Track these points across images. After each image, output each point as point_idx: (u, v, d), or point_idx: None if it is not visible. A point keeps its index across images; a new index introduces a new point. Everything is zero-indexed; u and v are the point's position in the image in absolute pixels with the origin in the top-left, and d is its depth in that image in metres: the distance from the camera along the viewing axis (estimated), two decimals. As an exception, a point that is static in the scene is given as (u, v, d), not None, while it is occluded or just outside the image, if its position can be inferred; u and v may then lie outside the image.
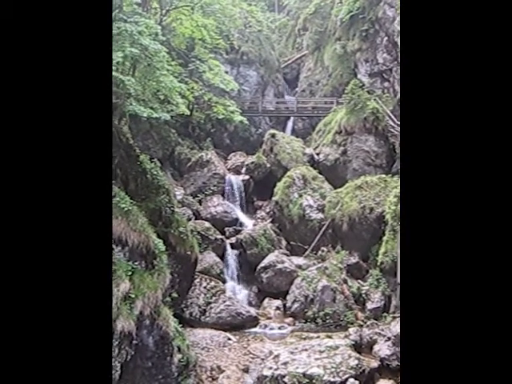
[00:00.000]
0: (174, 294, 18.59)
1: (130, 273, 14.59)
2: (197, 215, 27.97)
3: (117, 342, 13.61)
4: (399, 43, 26.78)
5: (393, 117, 29.22)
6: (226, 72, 32.60)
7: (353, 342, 18.73)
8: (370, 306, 22.82)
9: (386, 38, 32.05)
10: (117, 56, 15.82)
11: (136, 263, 15.17)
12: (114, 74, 15.88)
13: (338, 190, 28.22)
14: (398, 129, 27.58)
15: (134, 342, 14.28)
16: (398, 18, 30.39)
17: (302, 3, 43.73)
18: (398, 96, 30.47)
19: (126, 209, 15.49)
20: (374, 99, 30.93)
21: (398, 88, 30.86)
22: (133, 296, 14.25)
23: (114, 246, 14.46)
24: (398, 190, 22.69)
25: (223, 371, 17.40)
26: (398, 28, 30.41)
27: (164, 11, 28.16)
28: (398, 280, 11.60)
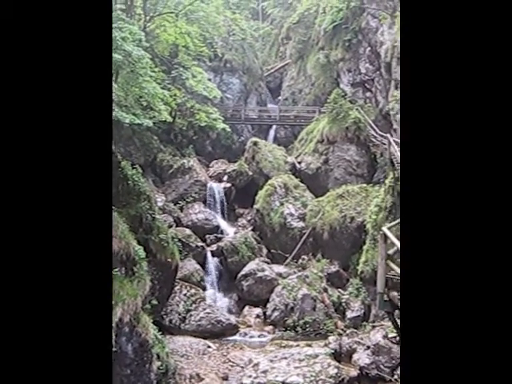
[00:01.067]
0: (154, 301, 18.52)
1: (109, 279, 14.53)
2: (178, 222, 27.92)
3: (95, 349, 13.54)
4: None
5: (374, 127, 29.41)
6: (209, 79, 32.75)
7: (332, 351, 18.77)
8: (349, 314, 22.92)
9: (368, 49, 32.30)
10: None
11: (116, 270, 15.09)
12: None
13: (320, 198, 28.37)
14: (380, 139, 27.80)
15: (113, 349, 14.21)
16: (381, 29, 30.70)
17: (285, 12, 44.00)
18: (380, 106, 30.76)
19: (106, 215, 15.45)
20: (356, 109, 31.16)
21: (380, 98, 31.13)
22: (112, 303, 14.19)
23: (94, 252, 14.40)
24: (378, 200, 22.89)
25: (202, 379, 17.37)
26: (381, 38, 30.72)
27: (148, 17, 28.21)
28: (378, 289, 11.41)
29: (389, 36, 29.52)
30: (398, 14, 23.17)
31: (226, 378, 17.65)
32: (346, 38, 33.31)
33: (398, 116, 27.12)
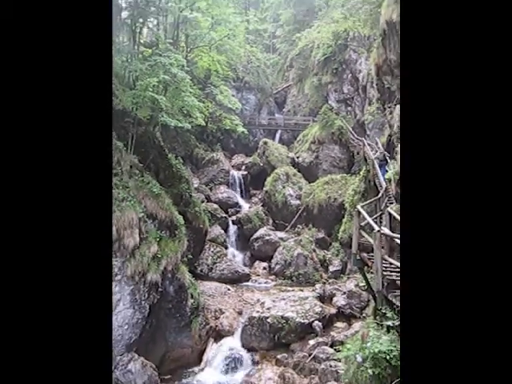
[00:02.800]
0: (190, 256, 18.61)
1: (158, 239, 14.60)
2: (208, 199, 27.91)
3: (147, 290, 13.65)
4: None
5: (353, 132, 29.27)
6: (233, 95, 32.53)
7: (318, 295, 18.81)
8: (331, 268, 22.93)
9: (350, 75, 32.01)
10: (153, 81, 15.73)
11: (162, 232, 15.17)
12: (150, 94, 15.74)
13: (312, 184, 28.25)
14: (357, 141, 27.63)
15: (160, 289, 14.33)
16: (360, 60, 30.38)
17: (289, 47, 43.43)
18: (357, 117, 30.51)
19: (156, 193, 15.49)
20: (340, 119, 31.02)
21: (357, 111, 30.89)
22: (159, 256, 14.27)
23: (146, 219, 14.46)
24: (354, 186, 22.81)
25: (223, 313, 17.46)
26: (359, 67, 30.42)
27: (189, 49, 28.05)
28: (353, 251, 11.34)
29: (365, 66, 29.19)
30: (373, 49, 22.79)
31: (240, 313, 17.74)
32: (334, 67, 32.98)
33: (371, 125, 26.90)
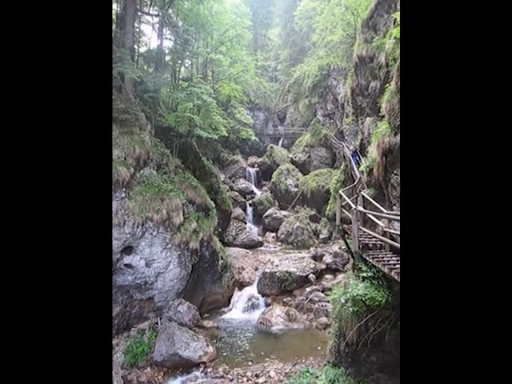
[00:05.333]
0: (219, 229, 18.67)
1: (196, 218, 14.64)
2: (231, 188, 27.90)
3: (189, 254, 13.72)
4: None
5: (335, 138, 28.90)
6: (247, 113, 32.34)
7: (312, 255, 18.77)
8: (321, 236, 22.83)
9: (332, 96, 31.49)
10: (189, 105, 15.65)
11: (200, 213, 15.20)
12: (188, 114, 15.66)
13: (306, 176, 28.01)
14: (337, 145, 27.28)
15: (198, 253, 14.40)
16: (339, 85, 29.88)
17: (287, 77, 42.85)
18: (338, 127, 30.10)
19: (194, 185, 15.49)
20: (325, 129, 30.67)
21: (338, 123, 30.43)
22: (198, 230, 14.31)
23: (188, 204, 14.49)
24: (336, 177, 22.59)
25: (244, 269, 17.54)
26: (338, 91, 29.91)
27: (214, 81, 27.84)
28: (336, 223, 11.24)
29: (343, 89, 28.67)
30: (348, 77, 22.37)
31: (256, 269, 17.81)
32: (320, 91, 32.46)
33: (348, 132, 26.52)
